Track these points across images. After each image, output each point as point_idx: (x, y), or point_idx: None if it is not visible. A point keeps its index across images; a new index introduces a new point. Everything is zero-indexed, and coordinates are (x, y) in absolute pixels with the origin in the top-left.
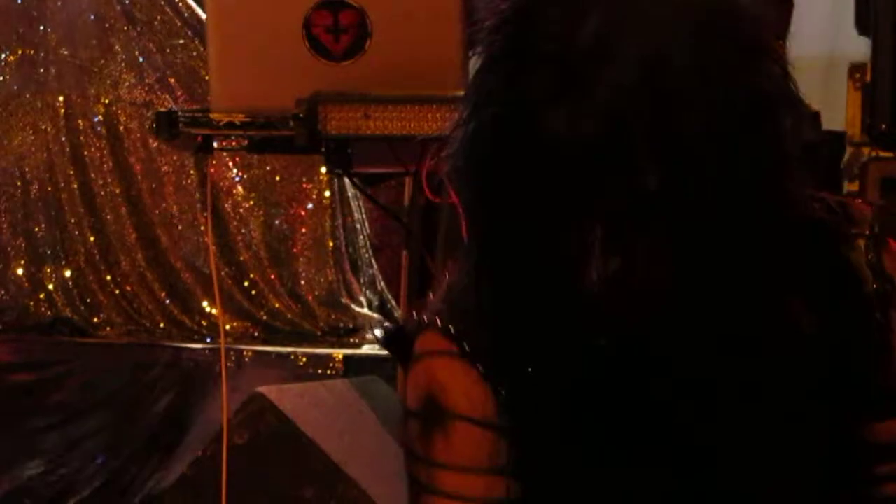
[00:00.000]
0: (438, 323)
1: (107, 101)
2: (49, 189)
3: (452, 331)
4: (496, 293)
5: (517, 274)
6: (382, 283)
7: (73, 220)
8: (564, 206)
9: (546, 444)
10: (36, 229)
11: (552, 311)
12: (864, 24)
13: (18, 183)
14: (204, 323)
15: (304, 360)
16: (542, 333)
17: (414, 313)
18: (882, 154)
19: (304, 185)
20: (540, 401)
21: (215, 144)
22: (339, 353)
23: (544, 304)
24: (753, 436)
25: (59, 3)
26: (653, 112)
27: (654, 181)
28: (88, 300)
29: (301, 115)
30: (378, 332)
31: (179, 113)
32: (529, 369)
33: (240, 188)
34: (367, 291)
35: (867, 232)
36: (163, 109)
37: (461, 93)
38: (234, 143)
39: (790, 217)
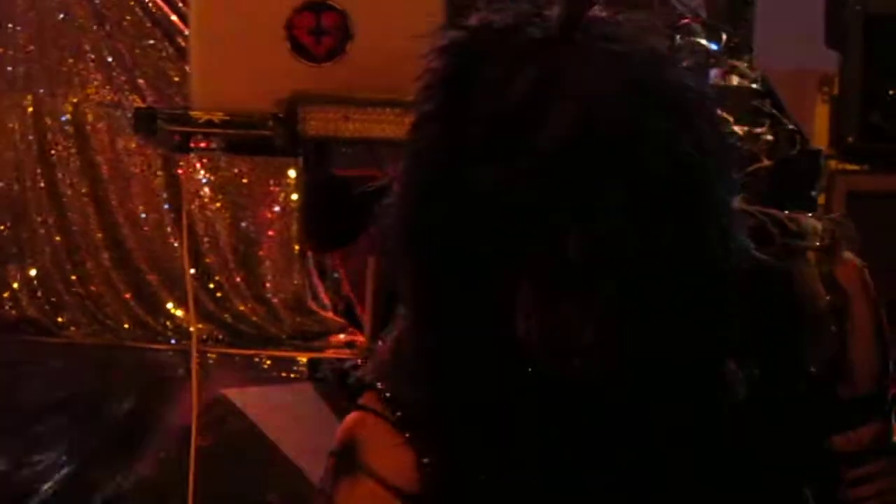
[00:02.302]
0: (378, 385)
1: (75, 101)
2: (15, 188)
3: (388, 395)
4: (426, 357)
5: (446, 336)
6: (349, 288)
7: (38, 220)
8: (490, 265)
9: None
10: (1, 228)
11: (481, 376)
12: (833, 37)
13: None
14: (169, 324)
15: (269, 363)
16: (469, 401)
17: (365, 362)
18: (849, 167)
19: (272, 188)
20: (462, 475)
21: (192, 145)
22: (304, 356)
23: (473, 369)
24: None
25: (29, 2)
26: (579, 177)
27: (578, 244)
28: (53, 300)
29: (280, 116)
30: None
31: (159, 110)
32: (456, 442)
33: (207, 190)
34: (333, 295)
35: (818, 244)
36: (141, 106)
37: None
38: (208, 145)
39: (722, 271)
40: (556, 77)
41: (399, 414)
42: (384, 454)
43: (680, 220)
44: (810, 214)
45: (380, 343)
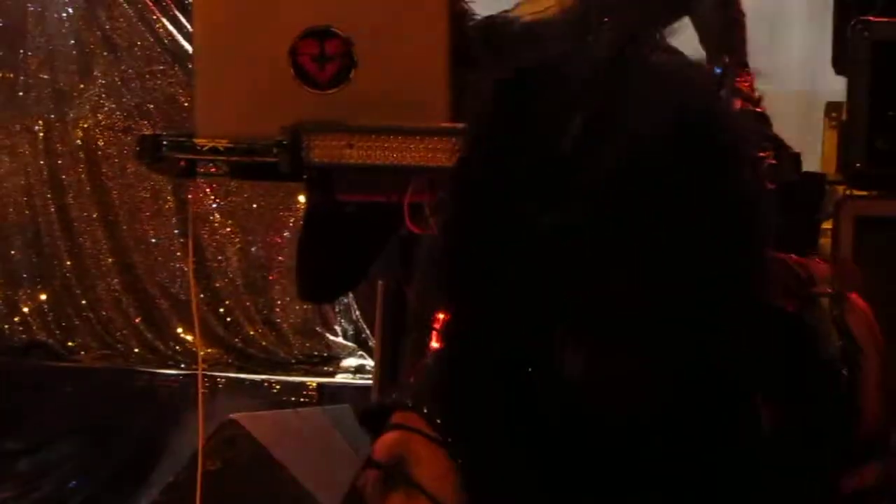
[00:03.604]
0: (424, 410)
1: (85, 126)
2: (26, 212)
3: (438, 421)
4: (473, 387)
5: (493, 366)
6: (357, 313)
7: (49, 244)
8: (537, 298)
9: None
10: (12, 252)
11: (527, 402)
12: (841, 63)
13: None
14: (178, 348)
15: (278, 387)
16: (517, 427)
17: (395, 395)
18: (856, 192)
19: (281, 213)
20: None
21: (198, 170)
22: (314, 381)
23: (520, 396)
24: None
25: (40, 28)
26: (625, 217)
27: (625, 281)
28: (64, 324)
29: (285, 143)
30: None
31: (163, 137)
32: (503, 465)
33: (217, 215)
34: (343, 320)
35: (829, 290)
36: (147, 133)
37: (445, 125)
38: (213, 170)
39: (756, 311)
40: (603, 119)
41: (450, 440)
42: (437, 475)
43: (720, 257)
44: (817, 257)
45: (413, 371)
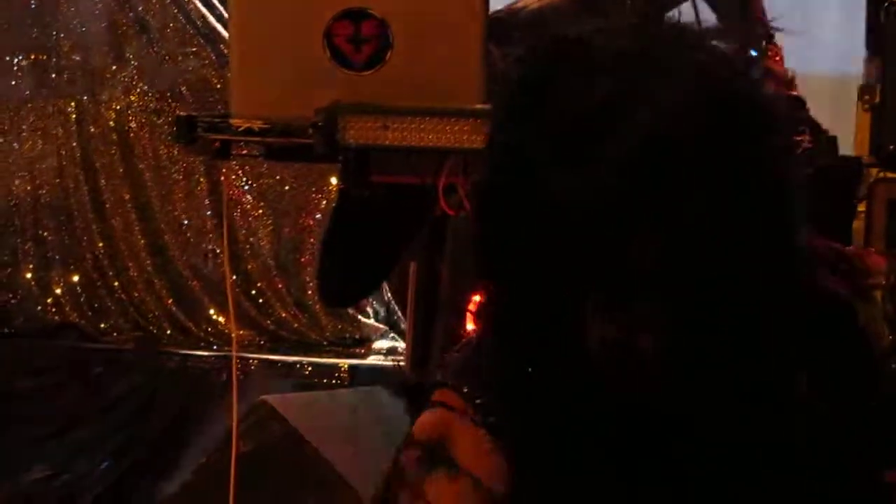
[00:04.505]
0: (465, 389)
1: (118, 108)
2: (59, 194)
3: (478, 401)
4: (508, 365)
5: (525, 343)
6: (389, 294)
7: (82, 226)
8: (565, 272)
9: None
10: (45, 234)
11: (558, 380)
12: (874, 45)
13: (28, 187)
14: (210, 330)
15: (310, 369)
16: (550, 406)
17: (438, 373)
18: (889, 175)
19: (313, 195)
20: (549, 480)
21: (232, 151)
22: (345, 363)
23: (551, 373)
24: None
25: (73, 9)
26: (652, 186)
27: (651, 252)
28: (96, 305)
29: (320, 124)
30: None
31: (199, 117)
32: (541, 447)
33: (249, 197)
34: (374, 302)
35: (883, 282)
36: (182, 114)
37: (480, 107)
38: (247, 152)
39: (792, 290)
40: (631, 87)
41: (491, 420)
42: (478, 456)
43: (750, 232)
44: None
45: (456, 350)
